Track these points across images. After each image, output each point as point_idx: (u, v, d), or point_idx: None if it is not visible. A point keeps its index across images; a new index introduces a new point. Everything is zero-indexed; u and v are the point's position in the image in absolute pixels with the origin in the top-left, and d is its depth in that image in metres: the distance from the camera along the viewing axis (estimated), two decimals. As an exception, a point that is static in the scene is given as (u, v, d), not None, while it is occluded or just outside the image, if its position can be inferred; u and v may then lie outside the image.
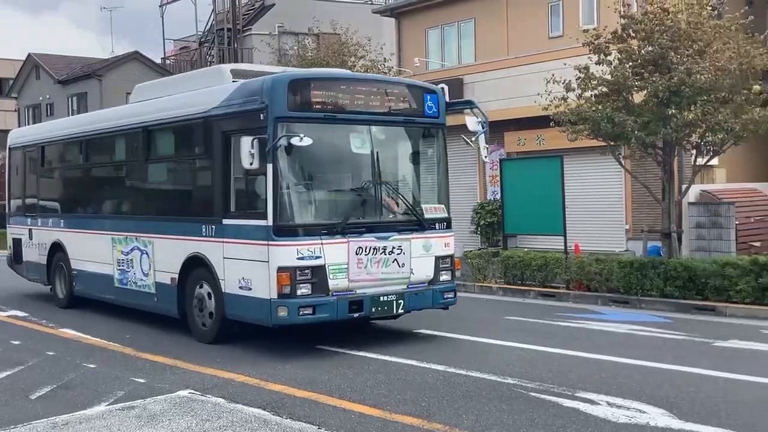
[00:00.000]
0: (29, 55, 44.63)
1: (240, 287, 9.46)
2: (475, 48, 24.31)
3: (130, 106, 12.89)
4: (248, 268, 9.35)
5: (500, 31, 23.22)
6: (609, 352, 9.31)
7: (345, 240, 9.24)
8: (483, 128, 10.54)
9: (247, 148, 8.91)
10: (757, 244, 16.65)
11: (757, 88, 13.30)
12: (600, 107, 13.47)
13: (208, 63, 34.07)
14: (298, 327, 9.43)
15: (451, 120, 10.80)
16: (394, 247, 9.57)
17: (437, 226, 10.16)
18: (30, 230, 15.09)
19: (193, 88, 10.99)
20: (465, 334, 10.56)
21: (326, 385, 7.91)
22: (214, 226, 9.93)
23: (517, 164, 16.46)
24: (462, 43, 24.81)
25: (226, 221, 9.74)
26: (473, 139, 10.68)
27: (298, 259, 8.94)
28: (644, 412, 6.80)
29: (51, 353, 9.85)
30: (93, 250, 12.82)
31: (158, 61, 40.33)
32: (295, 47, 29.09)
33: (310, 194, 9.56)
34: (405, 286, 9.74)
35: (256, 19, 36.45)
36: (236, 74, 10.69)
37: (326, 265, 9.08)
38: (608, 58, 13.75)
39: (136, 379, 8.30)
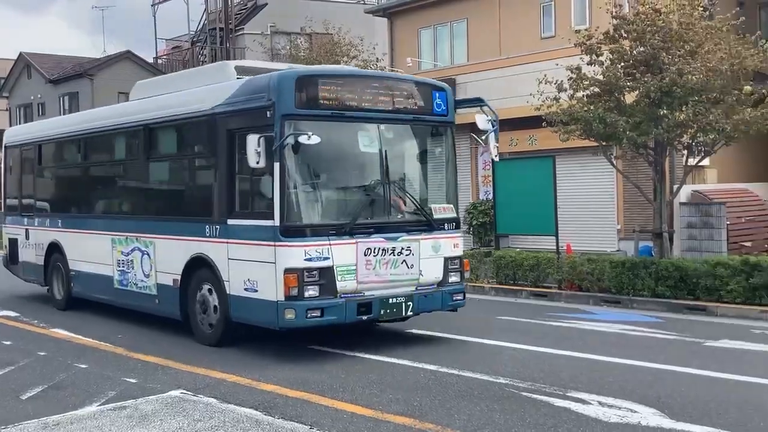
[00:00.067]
0: (20, 54, 44.48)
1: (245, 289, 9.27)
2: (467, 48, 24.32)
3: (131, 103, 12.62)
4: (254, 269, 9.17)
5: (493, 32, 23.24)
6: (600, 352, 9.33)
7: (353, 241, 9.06)
8: (493, 127, 10.29)
9: (253, 147, 8.71)
10: (748, 244, 16.72)
11: (748, 88, 13.34)
12: (592, 107, 13.49)
13: (201, 63, 33.98)
14: (305, 330, 9.32)
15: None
16: (403, 248, 9.40)
17: (446, 227, 9.97)
18: (27, 230, 14.88)
19: (196, 85, 10.76)
20: (457, 334, 10.56)
21: (318, 385, 7.90)
22: (218, 227, 9.73)
23: (509, 164, 16.48)
24: (454, 43, 24.82)
25: (230, 221, 9.54)
26: (483, 137, 10.50)
27: (305, 260, 8.76)
28: (635, 411, 6.81)
29: (42, 353, 9.82)
30: (92, 251, 12.58)
31: (150, 60, 40.23)
32: (288, 47, 29.10)
33: (318, 194, 9.36)
34: (414, 288, 9.56)
35: (248, 19, 36.41)
36: (241, 71, 10.41)
37: (334, 267, 8.89)
38: (600, 58, 13.78)
39: (128, 380, 8.27)
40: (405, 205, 9.89)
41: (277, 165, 8.80)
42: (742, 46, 13.48)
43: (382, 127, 9.66)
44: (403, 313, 9.52)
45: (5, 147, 16.10)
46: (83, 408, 7.21)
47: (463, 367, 8.51)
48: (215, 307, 9.87)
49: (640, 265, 13.29)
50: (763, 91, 13.61)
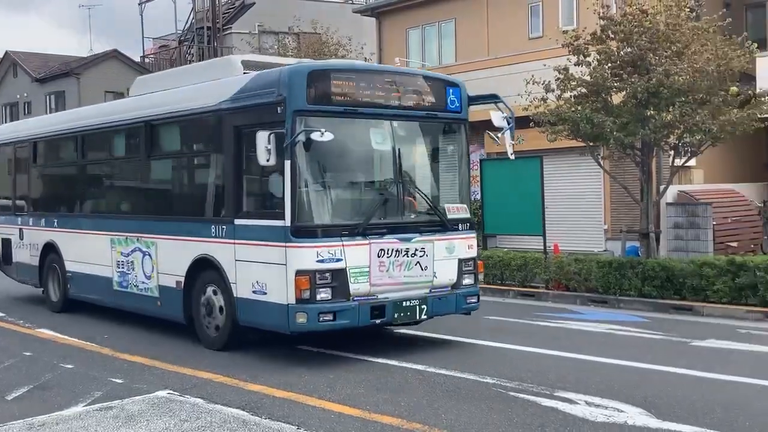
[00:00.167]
0: (6, 52, 44.29)
1: (254, 291, 8.95)
2: (455, 48, 24.36)
3: (132, 99, 12.26)
4: (263, 271, 8.85)
5: (481, 32, 23.28)
6: (588, 352, 9.35)
7: (366, 242, 8.74)
8: (509, 124, 9.95)
9: (263, 144, 8.39)
10: (734, 244, 16.80)
11: (734, 89, 13.42)
12: (579, 108, 13.53)
13: (188, 62, 33.85)
14: (317, 334, 9.17)
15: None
16: (416, 249, 9.08)
17: (460, 227, 9.64)
18: (21, 230, 14.49)
19: (201, 81, 10.41)
20: (444, 333, 10.55)
21: (305, 385, 7.88)
22: (224, 227, 9.39)
23: (496, 164, 16.49)
24: (442, 43, 24.85)
25: (238, 221, 9.21)
26: (499, 135, 10.15)
27: (317, 261, 8.45)
28: (622, 411, 6.83)
29: (28, 354, 9.75)
30: (89, 251, 12.17)
31: (137, 59, 40.08)
32: (276, 46, 29.05)
33: (330, 193, 9.03)
34: (428, 291, 9.24)
35: (236, 18, 36.34)
36: (247, 65, 10.11)
37: (347, 269, 8.58)
38: (587, 59, 13.83)
39: (114, 380, 8.23)
40: (418, 204, 9.60)
41: (288, 163, 8.49)
42: (729, 47, 13.55)
43: (395, 123, 9.35)
44: (417, 317, 9.26)
45: None
46: (69, 408, 7.16)
47: (450, 367, 8.51)
48: (221, 308, 9.55)
49: (627, 265, 13.34)
50: (749, 92, 13.70)
